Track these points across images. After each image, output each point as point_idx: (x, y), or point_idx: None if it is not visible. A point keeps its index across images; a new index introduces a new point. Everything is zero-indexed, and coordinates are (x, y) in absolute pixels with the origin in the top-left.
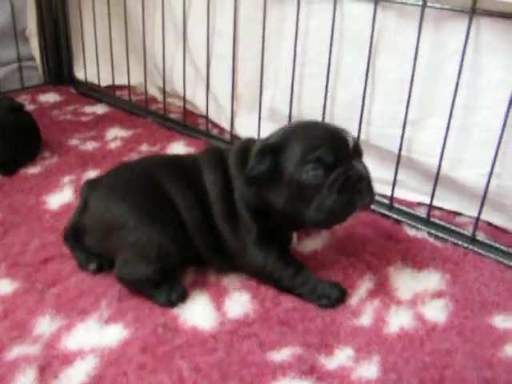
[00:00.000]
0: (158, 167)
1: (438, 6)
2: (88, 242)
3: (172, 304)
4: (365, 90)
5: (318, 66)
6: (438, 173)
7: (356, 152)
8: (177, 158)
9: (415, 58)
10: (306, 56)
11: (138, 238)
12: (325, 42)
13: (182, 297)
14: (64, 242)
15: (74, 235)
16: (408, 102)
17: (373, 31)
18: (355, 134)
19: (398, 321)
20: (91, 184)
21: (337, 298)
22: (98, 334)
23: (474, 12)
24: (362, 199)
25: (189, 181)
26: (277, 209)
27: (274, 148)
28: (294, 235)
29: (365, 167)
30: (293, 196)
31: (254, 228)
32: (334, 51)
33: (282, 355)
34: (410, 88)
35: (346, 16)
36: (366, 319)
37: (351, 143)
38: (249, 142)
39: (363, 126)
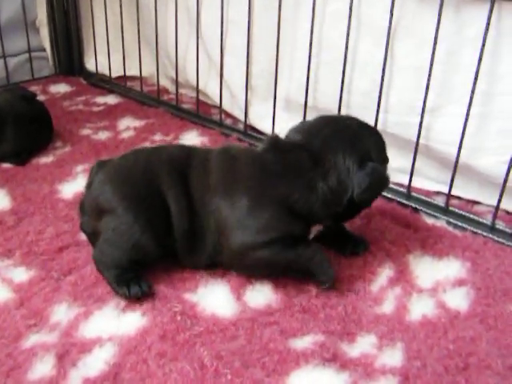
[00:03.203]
0: (162, 161)
1: None
2: (84, 220)
3: (130, 297)
4: (382, 77)
5: (334, 53)
6: (456, 161)
7: None
8: (186, 154)
9: (434, 44)
10: (322, 44)
11: (119, 225)
12: (341, 28)
13: (144, 293)
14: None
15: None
16: (427, 89)
17: (391, 17)
18: (372, 122)
19: (420, 308)
20: (100, 164)
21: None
22: (115, 321)
23: None
24: None
25: (186, 180)
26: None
27: None
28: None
29: None
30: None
31: None
32: (350, 38)
33: (304, 342)
34: (429, 75)
35: (363, 2)
36: (387, 307)
37: None
38: (278, 140)
39: (380, 114)
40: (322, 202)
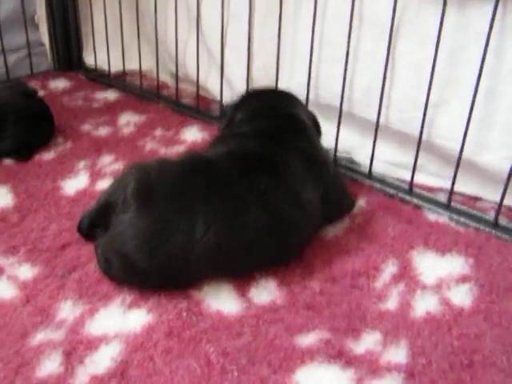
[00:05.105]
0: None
1: None
2: None
3: None
4: (385, 73)
5: (336, 49)
6: (459, 157)
7: None
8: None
9: (438, 41)
10: (323, 39)
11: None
12: (343, 24)
13: None
14: None
15: None
16: (430, 85)
17: (394, 13)
18: (375, 117)
19: (424, 305)
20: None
21: None
22: (121, 319)
23: None
24: None
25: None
26: None
27: None
28: None
29: None
30: None
31: None
32: (353, 34)
33: (309, 339)
34: (432, 71)
35: None
36: (391, 303)
37: None
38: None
39: (383, 110)
40: None
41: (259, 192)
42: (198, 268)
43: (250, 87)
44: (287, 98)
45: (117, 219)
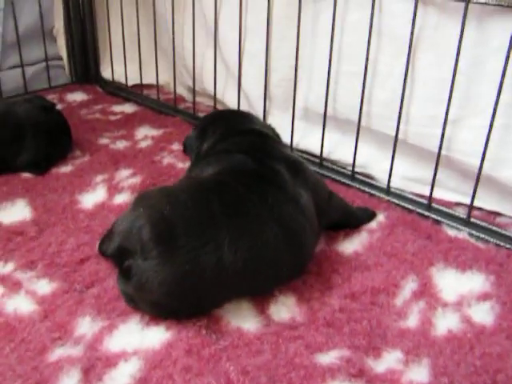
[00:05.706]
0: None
1: (482, 0)
2: None
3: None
4: (404, 88)
5: (354, 63)
6: (479, 173)
7: None
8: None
9: (457, 56)
10: (342, 53)
11: None
12: (362, 38)
13: None
14: None
15: None
16: (449, 100)
17: (413, 28)
18: (393, 132)
19: (446, 323)
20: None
21: None
22: (140, 335)
23: None
24: None
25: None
26: None
27: None
28: None
29: None
30: None
31: None
32: (371, 48)
33: (329, 357)
34: (452, 86)
35: (384, 12)
36: (412, 321)
37: None
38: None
39: (401, 125)
40: None
41: (268, 205)
42: (227, 294)
43: (266, 102)
44: (244, 116)
45: (138, 267)
